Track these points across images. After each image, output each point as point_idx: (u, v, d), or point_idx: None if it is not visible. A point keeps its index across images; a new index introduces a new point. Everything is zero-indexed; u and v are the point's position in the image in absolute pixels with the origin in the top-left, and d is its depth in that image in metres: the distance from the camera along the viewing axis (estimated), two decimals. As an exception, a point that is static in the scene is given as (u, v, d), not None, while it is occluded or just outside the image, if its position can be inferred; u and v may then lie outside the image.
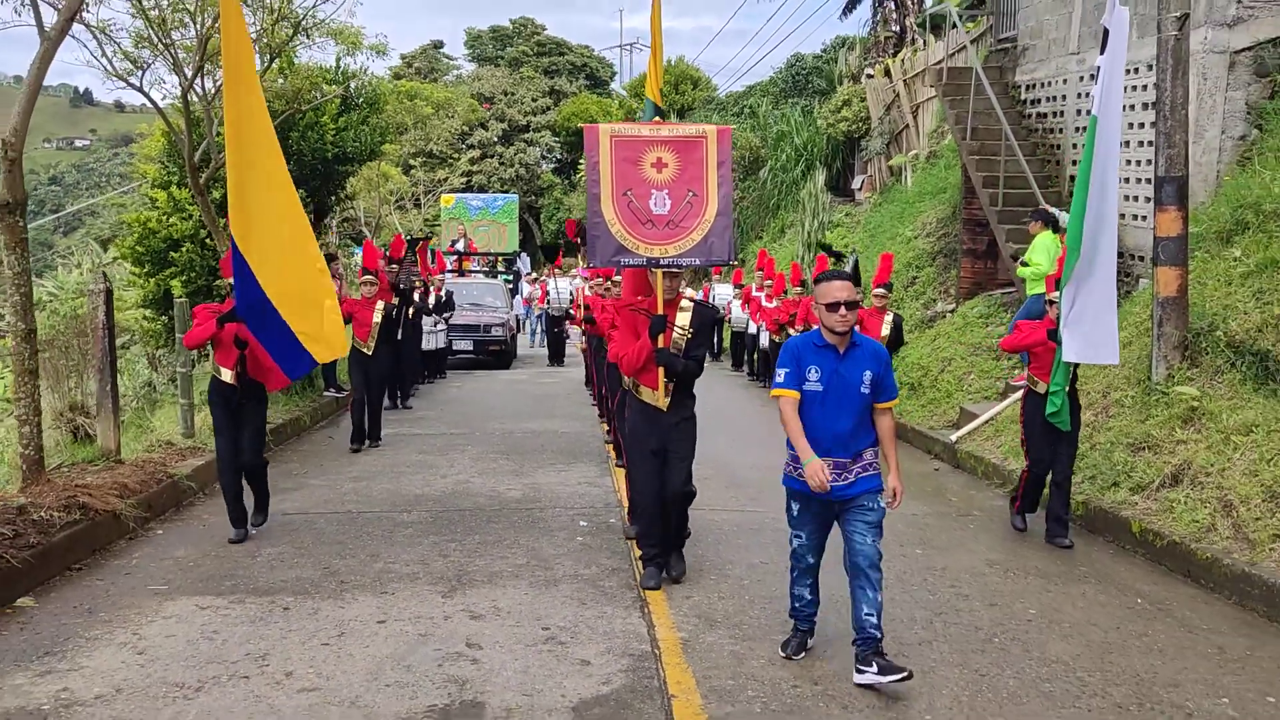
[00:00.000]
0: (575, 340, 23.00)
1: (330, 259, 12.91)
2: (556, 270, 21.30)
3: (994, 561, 6.71)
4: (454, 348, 19.07)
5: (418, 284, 14.58)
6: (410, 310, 13.98)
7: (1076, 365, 7.02)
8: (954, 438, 10.38)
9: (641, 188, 5.97)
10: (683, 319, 5.97)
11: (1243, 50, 10.19)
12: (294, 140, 12.20)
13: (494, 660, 4.87)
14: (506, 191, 43.64)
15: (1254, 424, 7.01)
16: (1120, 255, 11.33)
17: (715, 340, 21.02)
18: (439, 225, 34.45)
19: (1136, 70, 11.01)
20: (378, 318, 10.70)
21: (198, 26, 10.42)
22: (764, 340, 16.11)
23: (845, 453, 4.67)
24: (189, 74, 10.24)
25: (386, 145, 14.94)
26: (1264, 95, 10.16)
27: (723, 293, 20.09)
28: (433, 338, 16.59)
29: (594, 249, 5.99)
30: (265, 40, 10.75)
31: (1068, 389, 7.01)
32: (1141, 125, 11.12)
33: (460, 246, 23.67)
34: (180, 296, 11.28)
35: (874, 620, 4.58)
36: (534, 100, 52.21)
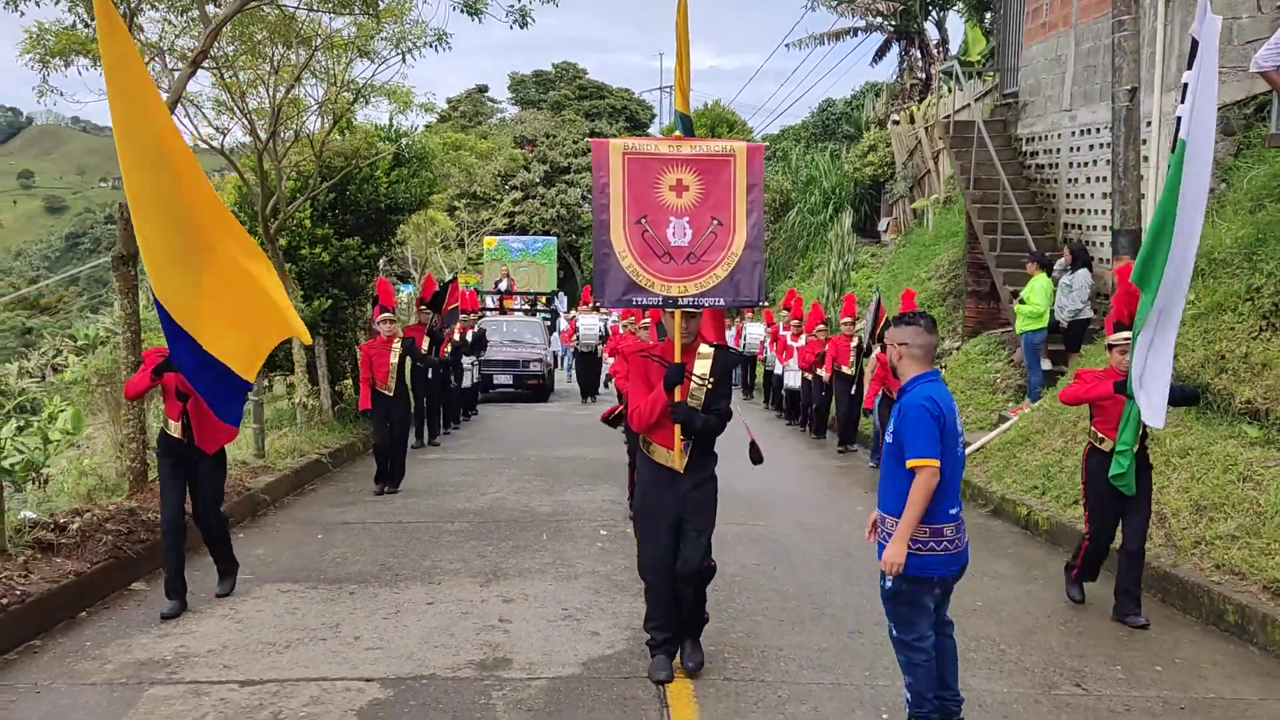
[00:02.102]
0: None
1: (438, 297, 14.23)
2: (584, 306, 21.95)
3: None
4: (494, 381, 20.32)
5: (449, 326, 14.81)
6: (443, 350, 14.12)
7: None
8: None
9: (658, 214, 5.16)
10: (702, 367, 5.21)
11: (1209, 111, 11.18)
12: (351, 192, 13.56)
13: (521, 631, 5.99)
14: (548, 231, 45.20)
15: (1190, 447, 7.97)
16: (1105, 297, 12.35)
17: (749, 377, 21.75)
18: (481, 264, 35.99)
19: (1097, 130, 12.04)
20: (394, 358, 10.36)
21: (269, 94, 11.79)
22: (790, 380, 16.38)
23: (882, 506, 4.44)
24: (263, 136, 11.61)
25: (434, 195, 16.31)
26: (1230, 152, 11.14)
27: (755, 332, 19.96)
28: (467, 375, 16.89)
29: (601, 286, 5.20)
30: (329, 106, 12.12)
31: (1136, 448, 6.26)
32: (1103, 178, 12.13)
33: (503, 286, 25.02)
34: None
35: (907, 698, 4.47)
36: (575, 142, 53.85)
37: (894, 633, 4.43)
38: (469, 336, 16.81)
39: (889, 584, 4.31)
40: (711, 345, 5.34)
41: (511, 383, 20.71)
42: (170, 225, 5.82)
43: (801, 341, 15.48)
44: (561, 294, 26.17)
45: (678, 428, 5.11)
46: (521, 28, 9.99)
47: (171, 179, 5.76)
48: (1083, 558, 6.72)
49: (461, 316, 16.22)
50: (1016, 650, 5.77)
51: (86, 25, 9.31)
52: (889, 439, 4.32)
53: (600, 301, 5.42)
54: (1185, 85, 5.77)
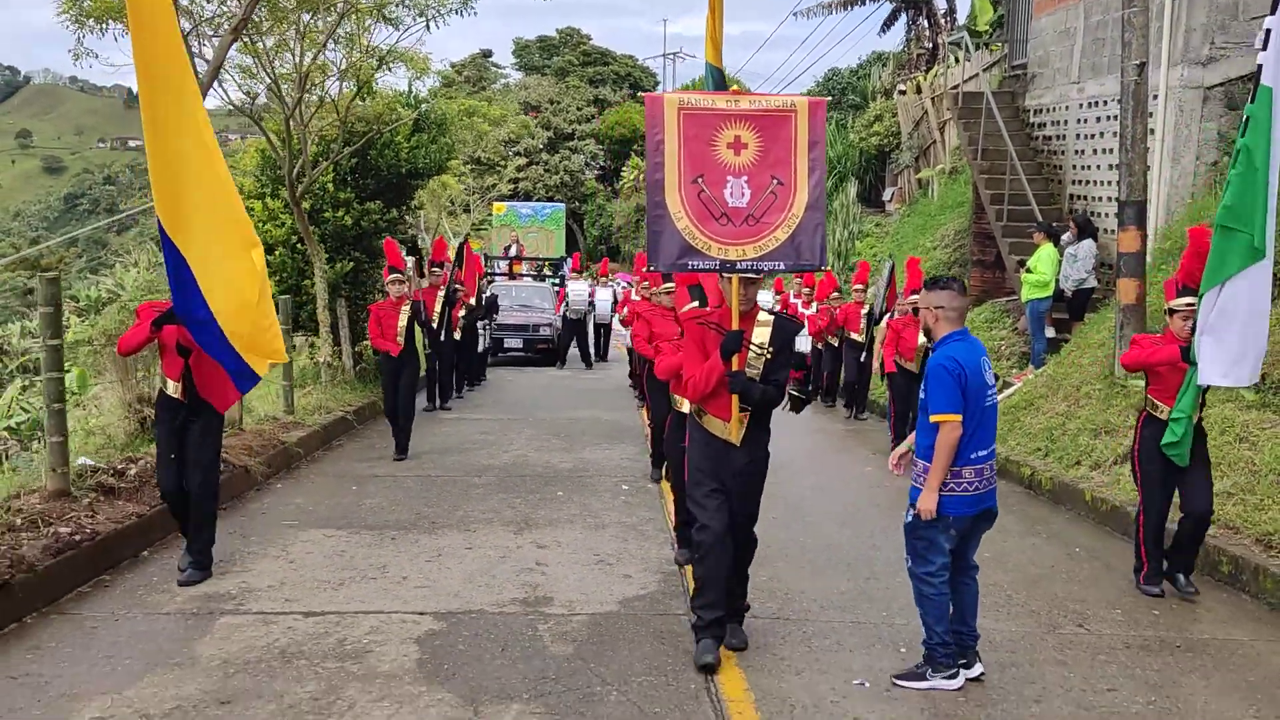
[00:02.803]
0: (618, 338, 24.55)
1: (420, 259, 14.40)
2: (573, 274, 22.21)
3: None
4: (505, 345, 20.74)
5: (461, 289, 14.60)
6: (459, 314, 14.08)
7: (1207, 389, 6.08)
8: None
9: (715, 173, 4.94)
10: (760, 335, 4.99)
11: (1215, 86, 11.49)
12: (372, 157, 13.85)
13: (558, 573, 6.37)
14: (552, 198, 45.37)
15: (1189, 411, 8.34)
16: (1110, 267, 12.69)
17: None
18: (485, 229, 36.19)
19: (1105, 103, 12.32)
20: (403, 320, 10.04)
21: (295, 59, 12.05)
22: (801, 346, 16.83)
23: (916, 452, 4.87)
24: (290, 103, 11.88)
25: (452, 161, 16.59)
26: (1233, 126, 11.43)
27: (763, 300, 20.34)
28: (479, 340, 16.87)
29: (655, 249, 4.97)
30: (353, 72, 12.39)
31: (1194, 416, 6.07)
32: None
33: (513, 252, 25.30)
34: (274, 293, 12.91)
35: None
36: (579, 109, 53.90)
37: (909, 564, 4.84)
38: (482, 301, 17.06)
39: (908, 518, 4.76)
40: (771, 313, 5.12)
41: (521, 347, 21.08)
42: (191, 177, 5.54)
43: (813, 309, 15.66)
44: (569, 259, 26.45)
45: (735, 399, 4.90)
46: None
47: (201, 152, 5.59)
48: (1144, 545, 6.31)
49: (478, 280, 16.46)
50: (1023, 595, 6.16)
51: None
52: (921, 393, 4.73)
53: (654, 266, 5.10)
54: (1269, 31, 5.67)
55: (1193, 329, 5.87)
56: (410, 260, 13.00)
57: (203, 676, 4.65)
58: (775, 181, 4.96)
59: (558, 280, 24.52)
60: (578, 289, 20.88)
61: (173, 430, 6.01)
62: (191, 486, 6.02)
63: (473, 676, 4.70)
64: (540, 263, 25.88)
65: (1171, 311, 6.25)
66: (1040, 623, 5.71)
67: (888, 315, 12.50)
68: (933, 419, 4.57)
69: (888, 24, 32.79)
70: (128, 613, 5.48)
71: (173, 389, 5.99)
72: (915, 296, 9.88)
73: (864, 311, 13.55)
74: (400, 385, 10.13)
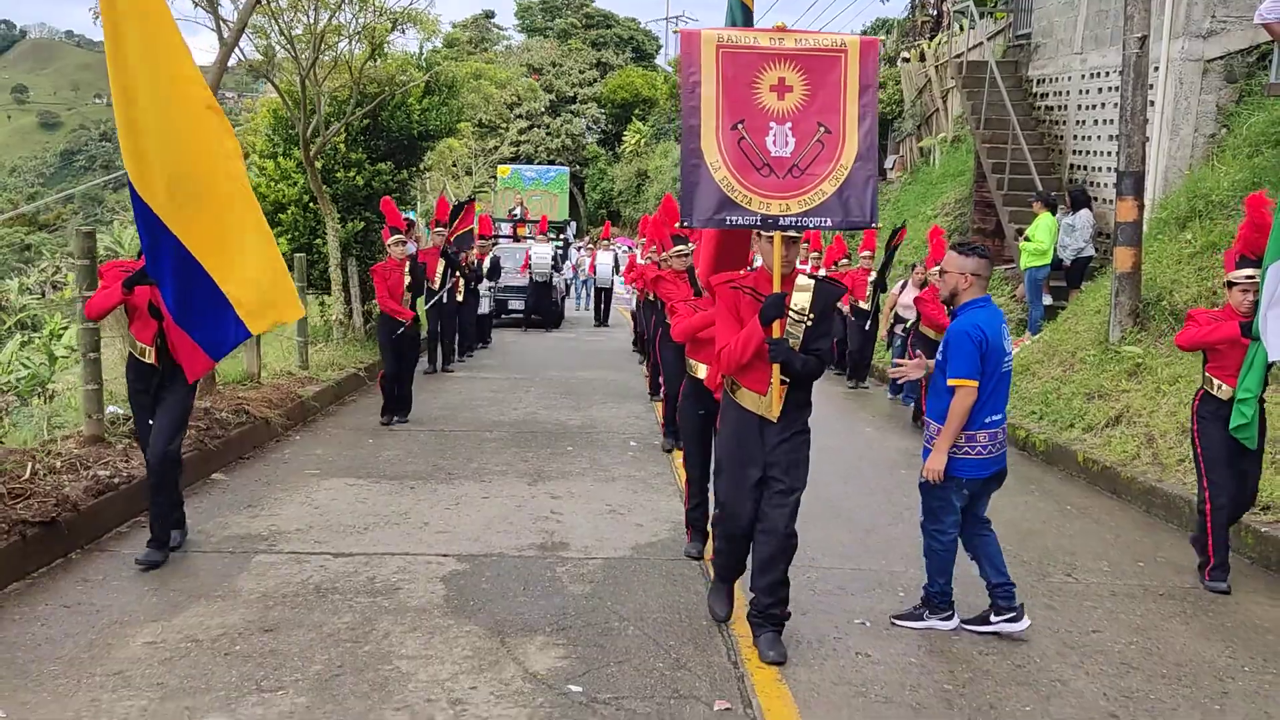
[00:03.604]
0: (620, 303, 24.81)
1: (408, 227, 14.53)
2: (540, 235, 22.05)
3: (960, 478, 8.43)
4: (509, 307, 20.97)
5: (465, 252, 14.71)
6: (459, 276, 14.01)
7: (1271, 365, 5.67)
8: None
9: (757, 119, 4.54)
10: (800, 300, 4.60)
11: (1215, 59, 11.68)
12: (384, 118, 14.05)
13: (573, 521, 6.68)
14: (553, 162, 45.43)
15: (1180, 376, 8.64)
16: (1106, 236, 12.94)
17: None
18: (484, 191, 36.35)
19: (1107, 74, 12.52)
20: (408, 280, 9.90)
21: (310, 19, 12.20)
22: None
23: (929, 414, 5.03)
24: (304, 62, 12.05)
25: (462, 123, 16.78)
26: (1232, 99, 11.66)
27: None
28: (484, 301, 17.03)
29: (690, 202, 4.55)
30: (366, 34, 12.56)
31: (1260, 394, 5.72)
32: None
33: (517, 214, 25.50)
34: (285, 253, 13.14)
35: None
36: (581, 72, 53.81)
37: (922, 519, 5.07)
38: (486, 263, 17.12)
39: (923, 478, 4.95)
40: (812, 276, 4.75)
41: (524, 309, 21.31)
42: (170, 133, 5.13)
43: (821, 275, 15.58)
44: (573, 223, 26.66)
45: (775, 370, 4.51)
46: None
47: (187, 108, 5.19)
48: (1212, 537, 5.80)
49: (480, 242, 16.46)
50: (1015, 547, 6.46)
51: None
52: (939, 356, 4.85)
53: (688, 220, 4.62)
54: None
55: (1255, 303, 5.55)
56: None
57: (244, 608, 4.95)
58: (822, 129, 4.57)
59: (562, 244, 24.74)
60: (540, 251, 20.58)
61: (149, 397, 5.65)
62: (156, 441, 5.55)
63: (498, 611, 5.01)
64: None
65: (1231, 284, 5.84)
66: (1031, 571, 6.02)
67: (902, 284, 12.43)
68: (950, 383, 4.72)
69: (892, -10, 32.72)
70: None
71: (147, 355, 5.58)
72: (937, 269, 9.83)
73: (870, 279, 13.39)
74: (402, 348, 9.91)
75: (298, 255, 11.54)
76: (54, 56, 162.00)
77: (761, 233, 4.64)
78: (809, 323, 4.60)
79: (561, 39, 55.67)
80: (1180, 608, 5.50)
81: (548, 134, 50.82)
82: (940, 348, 4.89)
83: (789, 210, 4.56)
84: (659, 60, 60.25)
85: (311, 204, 13.68)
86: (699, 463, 6.02)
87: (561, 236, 25.54)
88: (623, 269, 22.01)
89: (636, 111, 51.77)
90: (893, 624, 5.04)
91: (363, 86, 13.26)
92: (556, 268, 21.06)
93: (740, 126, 4.54)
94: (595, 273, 23.42)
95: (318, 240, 13.78)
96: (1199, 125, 11.85)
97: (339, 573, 5.50)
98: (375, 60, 13.77)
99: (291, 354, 11.37)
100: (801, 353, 4.57)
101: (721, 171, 4.52)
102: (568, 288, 25.69)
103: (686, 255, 7.10)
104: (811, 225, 4.62)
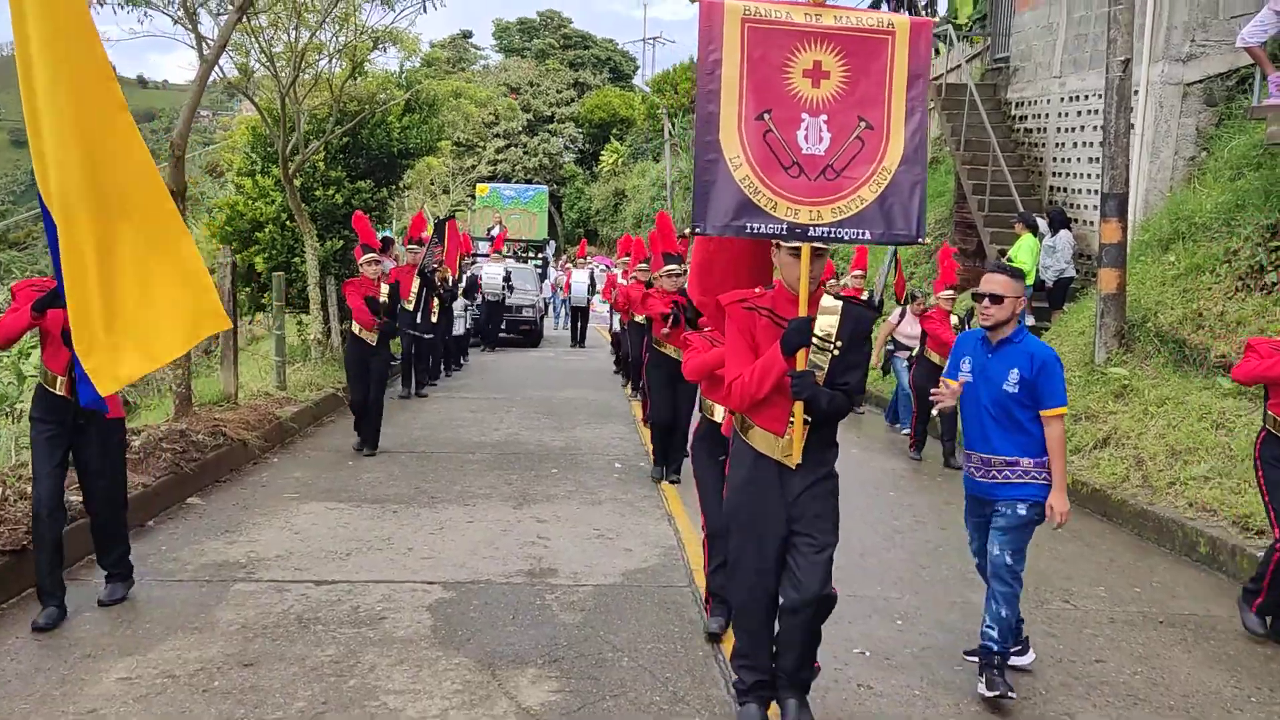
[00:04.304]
0: (598, 323, 24.69)
1: (384, 247, 14.23)
2: (494, 254, 21.65)
3: (950, 501, 8.33)
4: (504, 324, 20.70)
5: (439, 268, 13.91)
6: (435, 296, 13.40)
7: None
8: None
9: (787, 109, 3.85)
10: (825, 324, 3.91)
11: (1194, 83, 11.75)
12: (364, 136, 13.93)
13: (560, 546, 6.53)
14: (530, 180, 45.37)
15: (1168, 398, 8.61)
16: (1088, 258, 12.97)
17: None
18: (462, 210, 36.22)
19: (1086, 97, 12.59)
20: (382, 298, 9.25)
21: (290, 37, 12.07)
22: None
23: (988, 448, 4.52)
24: (284, 80, 11.91)
25: (442, 141, 16.69)
26: (1212, 122, 11.72)
27: None
28: (459, 322, 16.32)
29: (704, 203, 3.83)
30: (348, 52, 12.45)
31: None
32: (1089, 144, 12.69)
33: (495, 232, 25.37)
34: (262, 271, 12.96)
35: (991, 634, 4.48)
36: (559, 92, 53.91)
37: (1008, 561, 4.53)
38: (463, 281, 16.67)
39: (1023, 512, 4.48)
40: (838, 296, 4.02)
41: (504, 328, 21.18)
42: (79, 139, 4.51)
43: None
44: (552, 242, 26.56)
45: (798, 407, 3.81)
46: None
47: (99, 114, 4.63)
48: (1270, 578, 5.29)
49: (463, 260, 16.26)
50: (1010, 571, 6.38)
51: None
52: (1012, 388, 4.40)
53: (700, 225, 3.87)
54: None
55: None
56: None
57: (223, 640, 4.77)
58: (863, 124, 3.89)
59: (540, 262, 24.62)
60: (492, 271, 19.86)
61: (55, 437, 4.89)
62: (96, 499, 5.12)
63: (487, 642, 4.86)
64: (523, 244, 25.97)
65: None
66: (1028, 597, 5.88)
67: (909, 304, 12.02)
68: (1056, 412, 4.41)
69: (869, 13, 32.94)
70: (141, 580, 5.56)
71: (58, 385, 4.88)
72: (948, 293, 9.66)
73: (862, 298, 13.01)
74: (371, 374, 9.24)
75: (275, 274, 11.36)
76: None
77: (783, 244, 3.94)
78: (836, 351, 3.90)
79: (539, 59, 55.78)
80: (1181, 635, 5.42)
81: (525, 153, 50.82)
82: (1012, 381, 4.43)
83: (820, 219, 3.86)
84: (636, 80, 60.46)
85: (290, 222, 13.53)
86: (715, 510, 5.08)
87: (540, 255, 25.42)
88: (600, 288, 21.94)
89: (614, 131, 51.88)
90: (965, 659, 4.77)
91: (343, 104, 13.15)
92: (509, 287, 20.32)
93: (767, 117, 3.84)
94: (570, 292, 22.82)
95: (296, 259, 13.61)
96: (1179, 148, 11.90)
97: (321, 602, 5.33)
98: (356, 78, 13.66)
99: (269, 374, 11.19)
100: (828, 386, 3.85)
101: (743, 169, 3.82)
102: (547, 306, 25.57)
103: (679, 276, 6.97)
104: (846, 238, 3.89)
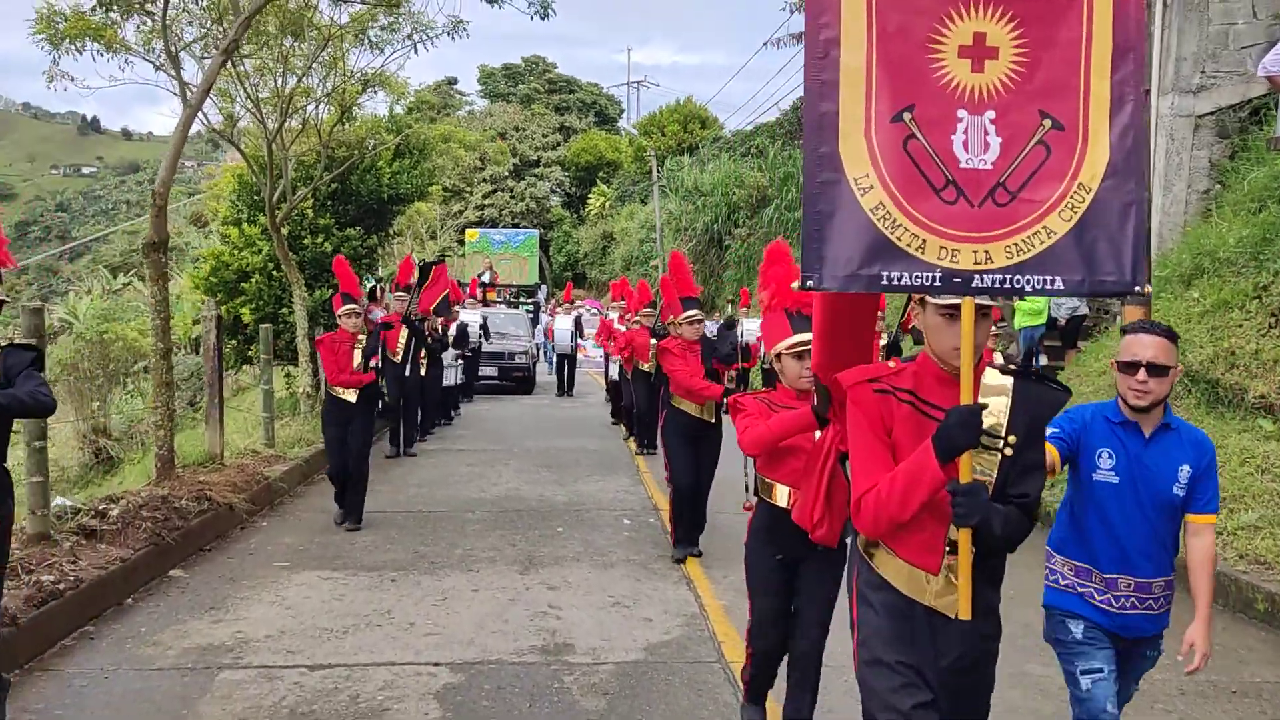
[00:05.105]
0: (589, 368, 24.15)
1: (372, 296, 13.54)
2: (471, 299, 20.85)
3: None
4: (479, 374, 20.16)
5: (426, 319, 12.83)
6: (423, 347, 12.41)
7: None
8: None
9: (938, 104, 2.67)
10: (993, 410, 2.76)
11: (1206, 114, 11.49)
12: (353, 182, 13.55)
13: (574, 617, 6.04)
14: (518, 225, 45.14)
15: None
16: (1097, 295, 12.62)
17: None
18: (450, 256, 35.88)
19: None
20: (359, 358, 8.31)
21: (277, 83, 11.72)
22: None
23: (1149, 569, 3.41)
24: (271, 126, 11.54)
25: (433, 186, 16.33)
26: (1225, 154, 11.45)
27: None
28: (451, 372, 15.22)
29: (819, 246, 2.65)
30: (336, 96, 12.10)
31: None
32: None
33: (486, 279, 25.00)
34: (249, 322, 12.51)
35: None
36: (544, 136, 53.87)
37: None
38: (453, 329, 15.21)
39: (1163, 648, 3.66)
40: (1005, 369, 2.89)
41: (497, 375, 20.71)
42: None
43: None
44: (544, 287, 26.19)
45: (964, 535, 2.67)
46: (543, 19, 9.98)
47: None
48: None
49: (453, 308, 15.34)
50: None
51: (104, 8, 9.20)
52: (1182, 489, 3.37)
53: (814, 278, 2.64)
54: None
55: None
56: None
57: (208, 740, 4.27)
58: (1048, 123, 2.67)
59: (532, 307, 24.20)
60: (468, 319, 18.06)
61: None
62: None
63: (503, 736, 4.37)
64: (514, 289, 25.59)
65: None
66: (1085, 666, 5.46)
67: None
68: (1209, 520, 3.45)
69: (856, 53, 33.01)
70: (118, 669, 5.07)
71: None
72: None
73: (881, 344, 12.22)
74: (350, 438, 8.25)
75: (262, 325, 10.91)
76: (10, 128, 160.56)
77: (929, 299, 2.76)
78: (1009, 450, 2.77)
79: (524, 104, 55.79)
80: (1259, 707, 4.97)
81: (512, 197, 50.62)
82: (1182, 482, 3.38)
83: (990, 262, 2.65)
84: (622, 124, 60.57)
85: (277, 272, 13.09)
86: (772, 631, 4.15)
87: (532, 300, 25.00)
88: (592, 332, 21.30)
89: (601, 174, 51.79)
90: None
91: (331, 150, 12.77)
92: (486, 335, 19.24)
93: (909, 117, 2.65)
94: (555, 339, 20.96)
95: (284, 310, 13.16)
96: (1192, 181, 11.62)
97: (317, 690, 4.83)
98: (344, 123, 13.30)
99: (256, 429, 10.70)
100: (998, 500, 2.72)
101: (875, 193, 2.64)
102: (539, 352, 25.10)
103: (699, 322, 6.49)
104: (1029, 288, 2.67)
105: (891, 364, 2.90)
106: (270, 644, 5.48)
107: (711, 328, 15.90)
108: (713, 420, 7.13)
